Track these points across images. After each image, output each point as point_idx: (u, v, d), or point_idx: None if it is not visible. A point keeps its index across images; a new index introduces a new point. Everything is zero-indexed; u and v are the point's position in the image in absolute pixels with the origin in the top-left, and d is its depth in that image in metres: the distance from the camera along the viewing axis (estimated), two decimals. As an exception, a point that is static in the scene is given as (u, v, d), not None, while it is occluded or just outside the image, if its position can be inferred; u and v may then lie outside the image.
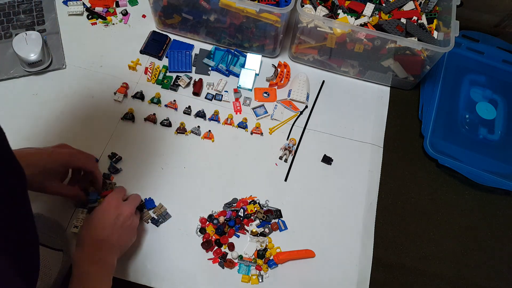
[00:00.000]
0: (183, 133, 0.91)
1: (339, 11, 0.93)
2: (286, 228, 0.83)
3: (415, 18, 0.93)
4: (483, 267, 0.85)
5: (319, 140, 0.93)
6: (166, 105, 0.93)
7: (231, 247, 0.80)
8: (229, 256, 0.80)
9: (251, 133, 0.92)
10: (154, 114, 0.92)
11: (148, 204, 0.82)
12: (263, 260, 0.80)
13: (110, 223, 0.69)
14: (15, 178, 0.45)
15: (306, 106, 0.97)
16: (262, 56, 1.01)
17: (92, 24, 1.02)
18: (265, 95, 0.97)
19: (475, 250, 0.87)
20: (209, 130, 0.91)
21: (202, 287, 0.77)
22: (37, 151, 0.71)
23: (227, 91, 0.96)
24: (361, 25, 0.91)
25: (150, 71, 0.97)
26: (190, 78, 0.96)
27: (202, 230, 0.81)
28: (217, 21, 0.94)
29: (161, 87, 0.96)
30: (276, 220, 0.84)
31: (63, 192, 0.75)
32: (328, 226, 0.85)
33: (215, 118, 0.93)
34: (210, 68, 0.99)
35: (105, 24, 1.03)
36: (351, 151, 0.93)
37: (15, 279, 0.42)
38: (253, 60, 0.99)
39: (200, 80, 0.97)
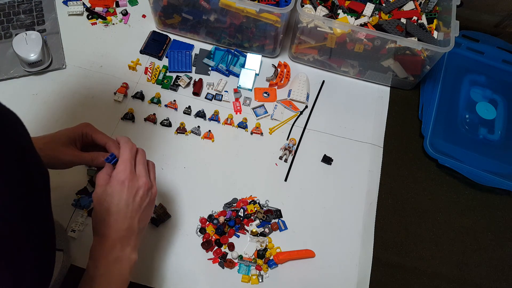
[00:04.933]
0: (183, 133, 0.91)
1: (339, 11, 0.93)
2: (286, 228, 0.83)
3: (415, 18, 0.93)
4: (483, 267, 0.85)
5: (319, 140, 0.93)
6: (166, 105, 0.93)
7: (231, 247, 0.80)
8: (229, 256, 0.80)
9: (251, 133, 0.92)
10: (154, 114, 0.92)
11: (148, 204, 0.82)
12: (263, 260, 0.80)
13: (129, 207, 0.59)
14: (40, 179, 0.46)
15: (306, 106, 0.97)
16: (262, 56, 1.01)
17: (92, 24, 1.02)
18: (265, 95, 0.97)
19: (475, 250, 0.87)
20: (209, 130, 0.91)
21: (202, 287, 0.77)
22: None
23: (227, 91, 0.96)
24: (361, 25, 0.91)
25: (150, 71, 0.97)
26: (190, 78, 0.96)
27: (202, 230, 0.81)
28: (217, 21, 0.94)
29: (161, 87, 0.96)
30: (276, 220, 0.84)
31: (80, 156, 0.66)
32: (328, 226, 0.85)
33: (215, 118, 0.93)
34: (210, 68, 0.99)
35: (105, 24, 1.03)
36: (351, 151, 0.93)
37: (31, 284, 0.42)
38: (253, 60, 0.99)
39: (200, 80, 0.97)
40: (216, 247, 0.80)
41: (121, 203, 0.59)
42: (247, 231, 0.82)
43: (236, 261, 0.79)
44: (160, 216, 0.81)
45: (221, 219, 0.81)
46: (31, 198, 0.44)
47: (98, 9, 1.03)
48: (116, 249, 0.58)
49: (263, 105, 0.96)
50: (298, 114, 0.96)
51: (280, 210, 0.85)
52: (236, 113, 0.94)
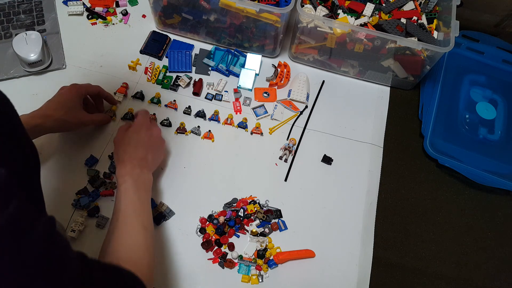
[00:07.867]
0: (183, 133, 0.91)
1: (339, 11, 0.93)
2: (286, 228, 0.83)
3: (415, 18, 0.93)
4: (483, 267, 0.85)
5: (319, 140, 0.93)
6: (166, 105, 0.93)
7: (231, 247, 0.80)
8: (229, 256, 0.80)
9: (251, 133, 0.92)
10: (154, 114, 0.92)
11: (148, 204, 0.82)
12: (263, 260, 0.80)
13: (145, 143, 0.75)
14: (32, 157, 0.47)
15: (306, 106, 0.97)
16: (262, 56, 1.01)
17: (92, 24, 1.02)
18: (265, 95, 0.97)
19: (475, 250, 0.87)
20: (209, 130, 0.91)
21: (202, 287, 0.77)
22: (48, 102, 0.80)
23: (227, 91, 0.96)
24: (361, 25, 0.91)
25: (150, 71, 0.97)
26: (190, 78, 0.96)
27: (202, 230, 0.81)
28: (217, 21, 0.94)
29: (161, 87, 0.96)
30: (276, 220, 0.84)
31: (94, 118, 0.84)
32: (328, 226, 0.85)
33: (215, 118, 0.93)
34: (210, 68, 0.99)
35: (105, 24, 1.03)
36: (351, 151, 0.93)
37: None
38: (253, 60, 0.99)
39: (200, 80, 0.97)
40: (216, 247, 0.80)
41: (140, 139, 0.74)
42: (247, 231, 0.82)
43: (236, 261, 0.79)
44: (165, 213, 0.81)
45: (221, 219, 0.81)
46: (25, 176, 0.44)
47: (98, 9, 1.03)
48: (136, 169, 0.71)
49: (263, 105, 0.96)
50: (298, 114, 0.96)
51: (280, 210, 0.85)
52: (236, 113, 0.94)
